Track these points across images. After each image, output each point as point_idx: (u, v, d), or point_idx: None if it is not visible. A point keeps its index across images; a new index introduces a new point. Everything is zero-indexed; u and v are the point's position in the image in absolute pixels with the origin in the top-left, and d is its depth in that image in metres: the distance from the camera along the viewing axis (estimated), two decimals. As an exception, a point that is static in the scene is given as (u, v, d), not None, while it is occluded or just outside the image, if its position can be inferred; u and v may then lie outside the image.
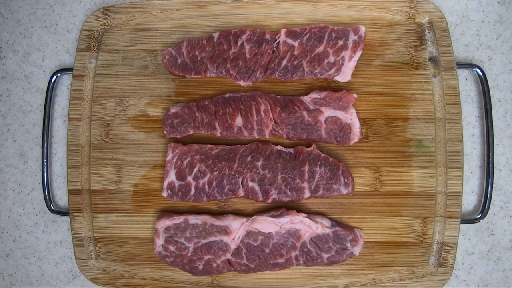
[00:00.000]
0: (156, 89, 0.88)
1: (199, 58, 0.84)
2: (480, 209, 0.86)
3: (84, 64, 0.89)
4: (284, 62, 0.83)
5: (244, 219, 0.83)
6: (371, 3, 0.86)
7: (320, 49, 0.82)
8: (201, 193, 0.83)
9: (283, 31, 0.83)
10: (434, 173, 0.84)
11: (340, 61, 0.82)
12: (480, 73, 0.86)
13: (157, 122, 0.88)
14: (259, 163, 0.82)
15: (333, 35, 0.82)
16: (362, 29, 0.82)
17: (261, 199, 0.82)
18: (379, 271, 0.85)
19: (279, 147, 0.83)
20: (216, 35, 0.84)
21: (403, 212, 0.85)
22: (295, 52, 0.82)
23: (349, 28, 0.82)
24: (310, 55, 0.82)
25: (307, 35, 0.82)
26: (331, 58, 0.82)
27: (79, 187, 0.88)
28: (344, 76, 0.83)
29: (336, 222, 0.83)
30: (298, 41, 0.82)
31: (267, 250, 0.81)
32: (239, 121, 0.83)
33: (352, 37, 0.82)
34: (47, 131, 0.91)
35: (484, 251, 0.89)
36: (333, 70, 0.82)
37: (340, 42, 0.82)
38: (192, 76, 0.85)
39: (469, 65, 0.87)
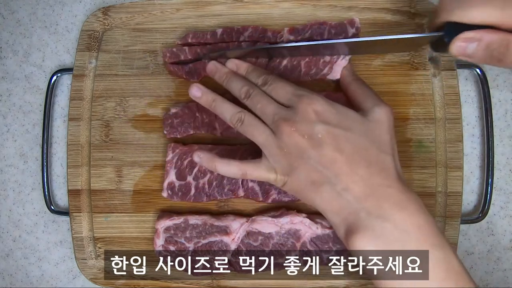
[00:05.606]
0: (156, 89, 0.88)
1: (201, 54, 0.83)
2: (480, 209, 0.86)
3: (84, 64, 0.89)
4: (284, 62, 0.82)
5: (244, 219, 0.83)
6: (371, 3, 0.86)
7: None
8: (201, 193, 0.83)
9: (286, 29, 0.82)
10: (434, 173, 0.84)
11: (334, 58, 0.81)
12: (480, 73, 0.86)
13: (157, 122, 0.88)
14: (259, 163, 0.82)
15: (332, 31, 0.81)
16: (356, 20, 0.81)
17: (261, 199, 0.82)
18: (379, 271, 0.85)
19: (279, 147, 0.83)
20: (219, 31, 0.83)
21: (403, 212, 0.84)
22: None
23: (344, 21, 0.82)
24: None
25: (309, 32, 0.81)
26: (326, 57, 0.81)
27: (79, 187, 0.88)
28: (335, 74, 0.82)
29: (336, 222, 0.83)
30: (300, 37, 0.82)
31: (267, 250, 0.81)
32: (239, 121, 0.82)
33: (350, 31, 0.81)
34: (47, 131, 0.91)
35: (484, 251, 0.89)
36: (326, 68, 0.81)
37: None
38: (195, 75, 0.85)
39: (469, 65, 0.87)
